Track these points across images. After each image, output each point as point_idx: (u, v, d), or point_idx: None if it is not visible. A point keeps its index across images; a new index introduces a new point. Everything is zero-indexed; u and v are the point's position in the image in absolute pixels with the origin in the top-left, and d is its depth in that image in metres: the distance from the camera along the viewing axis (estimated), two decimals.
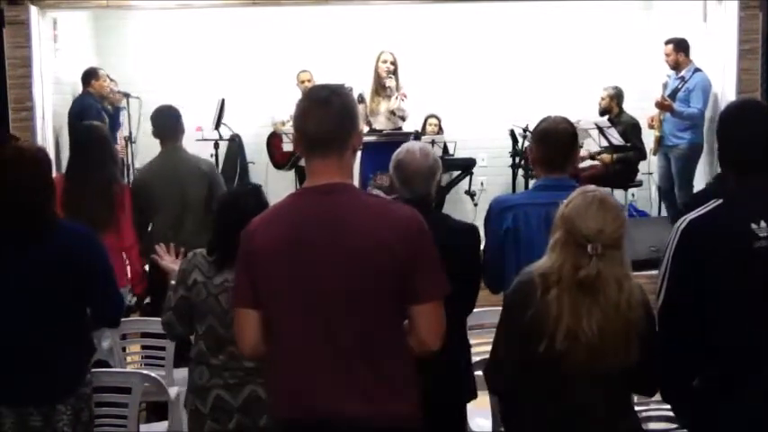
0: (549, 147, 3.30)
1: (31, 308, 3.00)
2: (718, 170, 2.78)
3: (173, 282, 3.26)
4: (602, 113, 8.07)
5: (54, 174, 4.49)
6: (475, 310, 3.50)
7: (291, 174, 8.41)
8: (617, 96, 8.08)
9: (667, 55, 7.65)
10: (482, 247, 3.46)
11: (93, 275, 3.08)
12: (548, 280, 2.45)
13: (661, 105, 7.54)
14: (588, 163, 8.01)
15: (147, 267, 5.36)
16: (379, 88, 7.41)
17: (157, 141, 5.26)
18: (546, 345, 2.41)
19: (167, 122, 5.19)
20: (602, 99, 8.09)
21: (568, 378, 2.45)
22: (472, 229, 3.39)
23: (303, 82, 8.38)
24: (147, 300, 5.39)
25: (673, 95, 7.54)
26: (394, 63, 7.38)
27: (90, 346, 3.26)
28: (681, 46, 7.60)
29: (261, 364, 3.00)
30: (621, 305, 2.42)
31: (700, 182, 7.60)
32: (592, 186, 2.62)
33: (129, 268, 4.89)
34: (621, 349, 2.43)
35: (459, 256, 3.04)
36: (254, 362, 3.02)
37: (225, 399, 3.08)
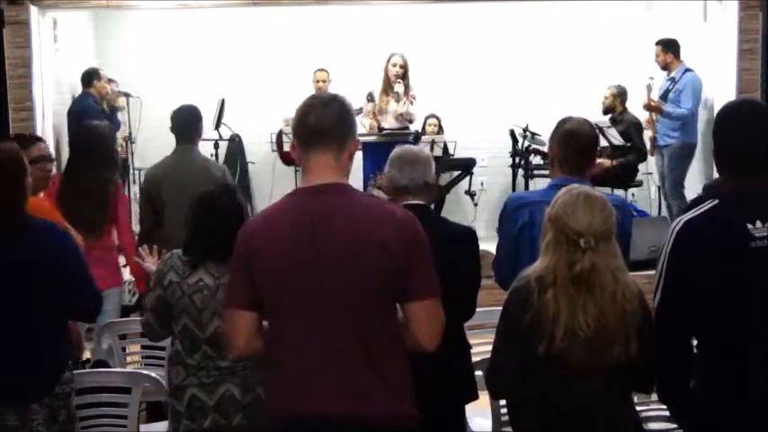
0: (572, 148, 3.29)
1: (4, 307, 2.98)
2: (715, 171, 2.78)
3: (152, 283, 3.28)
4: (605, 112, 8.06)
5: (53, 173, 4.50)
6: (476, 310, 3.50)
7: (292, 174, 8.41)
8: (620, 95, 8.07)
9: (657, 56, 7.67)
10: (480, 249, 3.47)
11: (66, 273, 3.06)
12: (544, 282, 2.46)
13: (649, 107, 7.55)
14: None
15: None
16: (388, 90, 7.39)
17: (156, 142, 5.25)
18: (546, 345, 2.41)
19: (188, 122, 5.16)
20: (606, 98, 8.07)
21: (569, 378, 2.45)
22: (470, 232, 3.41)
23: (318, 81, 8.36)
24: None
25: (664, 96, 7.57)
26: (403, 67, 7.31)
27: (68, 345, 3.22)
28: (669, 47, 7.62)
29: (235, 364, 3.06)
30: (617, 296, 2.45)
31: (695, 181, 7.60)
32: (575, 185, 2.64)
33: (128, 267, 4.88)
34: (620, 342, 2.44)
35: (456, 259, 3.04)
36: (230, 362, 3.06)
37: (200, 398, 3.10)
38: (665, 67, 7.67)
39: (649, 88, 7.59)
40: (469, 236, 3.38)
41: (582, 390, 2.46)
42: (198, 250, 3.14)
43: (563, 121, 3.38)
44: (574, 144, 3.29)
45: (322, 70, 8.45)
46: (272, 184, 8.53)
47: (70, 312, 3.22)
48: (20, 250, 2.99)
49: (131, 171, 8.21)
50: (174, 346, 3.19)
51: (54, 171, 4.58)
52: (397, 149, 3.36)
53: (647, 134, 7.90)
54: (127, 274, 5.25)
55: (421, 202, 3.21)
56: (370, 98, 7.27)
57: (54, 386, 3.05)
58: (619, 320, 2.44)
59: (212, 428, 3.09)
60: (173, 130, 5.21)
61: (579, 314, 2.41)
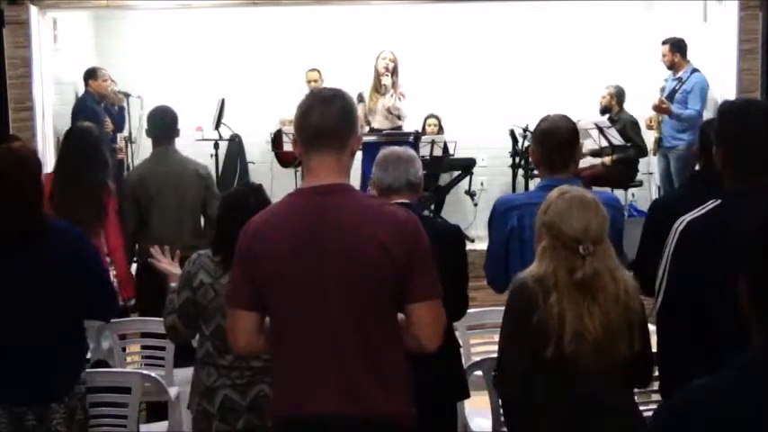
0: (551, 147, 3.30)
1: (25, 308, 2.99)
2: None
3: (173, 284, 3.26)
4: (602, 112, 8.09)
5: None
6: (475, 310, 3.51)
7: (292, 174, 8.41)
8: (618, 95, 8.09)
9: (663, 55, 7.66)
10: (467, 248, 3.48)
11: (86, 273, 3.08)
12: (545, 285, 2.45)
13: (659, 108, 7.54)
14: (588, 162, 8.01)
15: (135, 268, 5.32)
16: (378, 86, 7.45)
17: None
18: (554, 348, 2.42)
19: (164, 123, 5.17)
20: (603, 97, 8.11)
21: (576, 378, 2.45)
22: (457, 231, 3.42)
23: (310, 81, 8.39)
24: (132, 301, 5.34)
25: (670, 97, 7.55)
26: (393, 61, 7.42)
27: (83, 344, 3.25)
28: (677, 47, 7.60)
29: (268, 364, 3.00)
30: (620, 296, 2.46)
31: None
32: (566, 186, 2.64)
33: (114, 271, 4.77)
34: (626, 339, 2.46)
35: (444, 258, 3.05)
36: (263, 361, 3.02)
37: (233, 399, 3.08)
38: (672, 67, 7.64)
39: (663, 90, 7.59)
40: (456, 234, 3.42)
41: (590, 387, 2.46)
42: (228, 249, 3.11)
43: (540, 122, 3.40)
44: (550, 143, 3.30)
45: (313, 70, 8.49)
46: (271, 184, 8.52)
47: (89, 312, 3.23)
48: (41, 251, 3.00)
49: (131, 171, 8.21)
50: (204, 347, 3.16)
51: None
52: (382, 151, 3.41)
53: (653, 135, 7.89)
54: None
55: (406, 201, 3.22)
56: (360, 99, 7.30)
57: (74, 385, 3.06)
58: (623, 318, 2.46)
59: (246, 429, 3.06)
60: (149, 132, 5.21)
61: (586, 318, 2.42)
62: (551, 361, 2.44)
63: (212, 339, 3.13)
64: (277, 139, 8.76)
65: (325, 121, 2.34)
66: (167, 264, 3.49)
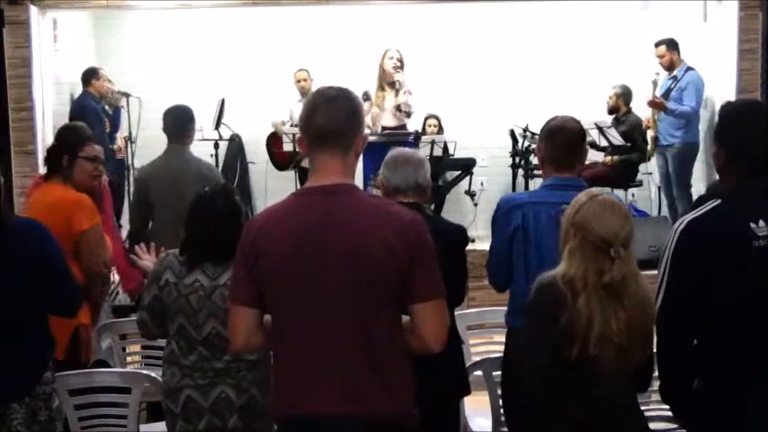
0: (558, 145, 3.31)
1: None
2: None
3: (146, 281, 3.27)
4: (610, 112, 8.08)
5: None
6: (475, 310, 3.52)
7: (292, 174, 8.41)
8: (624, 95, 8.06)
9: (661, 56, 7.62)
10: (480, 249, 3.48)
11: (49, 268, 3.02)
12: (575, 286, 2.44)
13: (653, 104, 7.54)
14: (588, 161, 7.99)
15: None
16: (385, 84, 7.46)
17: (156, 142, 5.24)
18: (579, 349, 2.41)
19: (178, 123, 5.18)
20: (610, 98, 8.08)
21: (597, 379, 2.45)
22: (460, 230, 3.45)
23: (300, 81, 8.42)
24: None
25: (666, 95, 7.54)
26: (401, 60, 7.43)
27: (47, 343, 3.15)
28: (673, 45, 7.60)
29: (230, 366, 3.05)
30: (642, 301, 2.47)
31: (698, 181, 7.61)
32: (595, 190, 2.64)
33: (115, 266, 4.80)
34: (644, 343, 2.47)
35: (447, 256, 3.05)
36: (224, 363, 3.05)
37: (195, 399, 3.08)
38: (670, 67, 7.62)
39: (654, 84, 7.58)
40: (461, 234, 3.47)
41: (609, 389, 2.46)
42: (195, 251, 3.13)
43: (548, 121, 3.43)
44: (559, 139, 3.32)
45: (302, 70, 8.50)
46: (272, 183, 8.52)
47: (53, 309, 3.16)
48: (3, 249, 2.96)
49: (131, 171, 8.20)
50: (170, 347, 3.17)
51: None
52: (390, 152, 3.46)
53: (650, 133, 7.89)
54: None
55: (412, 201, 3.26)
56: (366, 97, 7.30)
57: (35, 386, 3.00)
58: (643, 324, 2.46)
59: (207, 430, 3.07)
60: (164, 129, 5.23)
61: (612, 321, 2.42)
62: (573, 362, 2.43)
63: (176, 339, 3.14)
64: (271, 143, 8.74)
65: (330, 121, 2.34)
66: (149, 260, 3.49)
